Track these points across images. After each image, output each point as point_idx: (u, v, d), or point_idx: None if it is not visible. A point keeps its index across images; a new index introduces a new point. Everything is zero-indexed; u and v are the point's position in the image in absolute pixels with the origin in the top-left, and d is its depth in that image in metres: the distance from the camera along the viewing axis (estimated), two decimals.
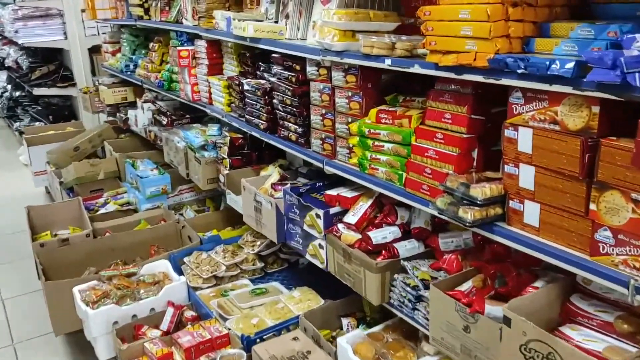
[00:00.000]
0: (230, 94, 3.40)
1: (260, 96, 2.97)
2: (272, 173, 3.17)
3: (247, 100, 3.13)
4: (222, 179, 3.49)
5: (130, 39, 5.20)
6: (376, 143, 2.23)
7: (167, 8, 4.15)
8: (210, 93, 3.64)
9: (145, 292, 3.09)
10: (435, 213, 1.92)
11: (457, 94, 1.93)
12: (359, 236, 2.36)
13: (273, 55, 2.84)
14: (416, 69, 1.93)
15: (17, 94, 8.53)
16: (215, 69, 3.63)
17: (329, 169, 2.54)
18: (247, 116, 3.17)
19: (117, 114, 5.38)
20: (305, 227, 2.63)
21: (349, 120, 2.41)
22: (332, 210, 2.52)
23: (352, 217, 2.40)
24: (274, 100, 2.88)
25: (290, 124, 2.79)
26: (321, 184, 2.78)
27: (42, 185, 5.85)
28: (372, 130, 2.23)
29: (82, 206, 4.04)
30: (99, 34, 7.17)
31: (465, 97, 1.90)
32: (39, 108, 7.81)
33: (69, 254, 3.54)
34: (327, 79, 2.48)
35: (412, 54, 2.06)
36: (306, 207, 2.60)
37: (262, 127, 3.02)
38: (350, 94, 2.37)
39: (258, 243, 3.44)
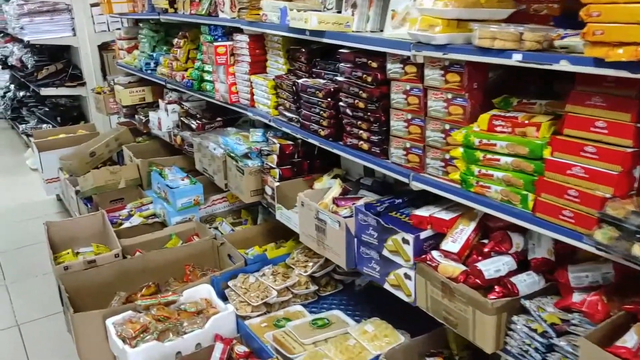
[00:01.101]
0: (279, 96, 3.00)
1: (322, 98, 2.57)
2: (332, 186, 2.77)
3: (302, 102, 2.73)
4: (268, 191, 3.09)
5: (150, 34, 4.78)
6: (488, 156, 1.83)
7: (197, 0, 3.74)
8: (252, 94, 3.24)
9: (189, 324, 2.69)
10: (592, 249, 1.52)
11: (614, 97, 1.53)
12: (463, 267, 1.96)
13: (341, 51, 2.44)
14: (563, 66, 1.53)
15: (22, 94, 8.10)
16: (258, 66, 3.22)
17: (416, 185, 2.14)
18: (302, 121, 2.76)
19: (136, 116, 4.96)
20: (386, 253, 2.23)
21: (446, 127, 2.01)
22: (423, 235, 2.12)
23: (452, 244, 2.00)
24: (341, 103, 2.47)
25: (362, 131, 2.39)
26: (400, 200, 2.38)
27: (54, 194, 5.45)
28: (484, 141, 1.83)
29: (107, 221, 3.63)
30: (109, 29, 6.78)
31: (628, 102, 1.50)
32: (46, 109, 7.39)
33: (96, 277, 3.14)
34: (417, 78, 2.08)
35: (542, 47, 1.66)
36: (388, 230, 2.20)
37: (322, 133, 2.62)
38: (450, 96, 1.96)
39: (311, 264, 3.05)
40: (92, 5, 6.69)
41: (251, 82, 3.21)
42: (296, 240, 3.40)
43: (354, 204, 2.49)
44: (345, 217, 2.51)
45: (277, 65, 3.12)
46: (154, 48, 4.83)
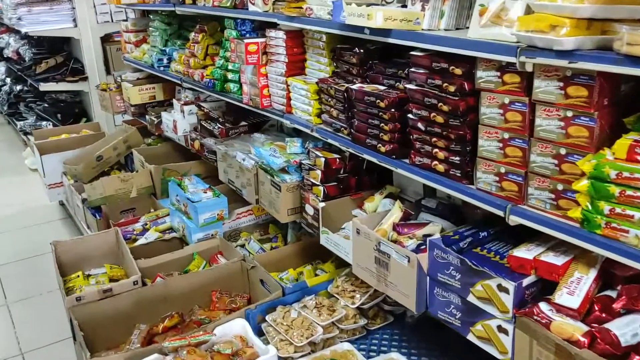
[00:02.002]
0: (322, 102, 2.60)
1: (385, 108, 2.17)
2: (386, 206, 2.38)
3: (356, 111, 2.34)
4: (310, 210, 2.69)
5: (162, 27, 4.36)
6: (629, 192, 1.45)
7: None
8: (288, 99, 2.84)
9: None
10: None
11: None
12: (585, 327, 1.58)
13: (413, 54, 2.04)
14: None
15: (19, 88, 7.65)
16: (295, 67, 2.82)
17: (515, 219, 1.76)
18: (355, 133, 2.37)
19: (147, 117, 4.55)
20: (472, 299, 1.85)
21: (562, 152, 1.62)
22: (526, 281, 1.74)
23: (569, 297, 1.62)
24: (410, 116, 2.08)
25: (438, 149, 1.99)
26: (485, 233, 2.00)
27: (57, 200, 5.04)
28: (624, 174, 1.44)
29: (121, 239, 3.24)
30: (112, 20, 6.37)
31: None
32: (45, 105, 6.95)
33: (112, 307, 2.75)
34: (520, 90, 1.69)
35: None
36: (477, 273, 1.82)
37: (383, 149, 2.23)
38: (570, 113, 1.57)
39: (358, 295, 2.67)
40: None
41: (288, 85, 2.81)
42: (337, 263, 3.03)
43: (425, 236, 2.10)
44: (412, 250, 2.13)
45: (318, 66, 2.72)
46: (166, 42, 4.41)
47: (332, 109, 2.52)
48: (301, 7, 2.56)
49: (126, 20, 5.05)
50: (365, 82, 2.39)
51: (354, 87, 2.33)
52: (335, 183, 2.62)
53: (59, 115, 6.75)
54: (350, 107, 2.39)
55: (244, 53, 2.90)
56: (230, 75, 3.36)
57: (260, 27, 3.14)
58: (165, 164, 4.20)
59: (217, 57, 3.66)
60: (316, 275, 3.04)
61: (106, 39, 6.43)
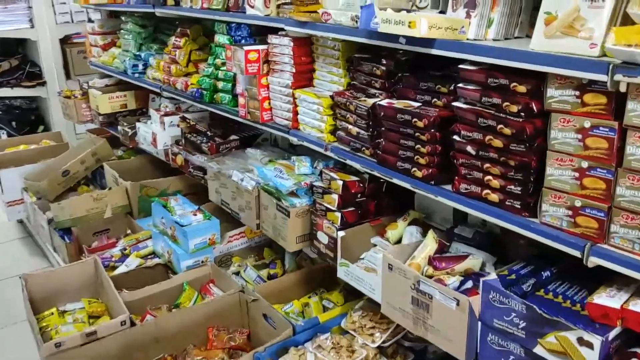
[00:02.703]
0: (338, 117, 2.32)
1: (424, 129, 1.91)
2: (424, 240, 2.12)
3: (384, 130, 2.07)
4: (323, 239, 2.41)
5: (136, 30, 3.99)
6: None
7: None
8: (295, 113, 2.54)
9: None
10: None
11: None
12: None
13: (463, 67, 1.78)
14: None
15: None
16: (303, 78, 2.53)
17: (597, 261, 1.52)
18: (381, 153, 2.10)
19: (119, 128, 4.16)
20: (542, 352, 1.61)
21: None
22: (612, 334, 1.50)
23: None
24: (456, 137, 1.82)
25: (492, 177, 1.75)
26: (548, 273, 1.76)
27: (17, 218, 4.58)
28: None
29: (102, 270, 2.87)
30: (73, 21, 5.94)
31: None
32: None
33: (97, 353, 2.40)
34: (606, 113, 1.45)
35: None
36: (549, 322, 1.57)
37: (419, 174, 1.97)
38: None
39: (378, 333, 2.40)
40: None
41: (295, 99, 2.52)
42: (346, 292, 2.76)
43: (467, 272, 1.85)
44: (454, 288, 1.88)
45: (330, 77, 2.44)
46: (140, 46, 4.04)
47: (351, 126, 2.25)
48: (315, 12, 2.28)
49: (92, 22, 4.64)
50: (391, 97, 2.13)
51: (382, 103, 2.06)
52: (353, 208, 2.34)
53: (13, 123, 6.22)
54: (375, 125, 2.12)
55: (244, 62, 2.59)
56: (220, 85, 3.04)
57: (258, 33, 2.84)
58: (141, 179, 3.84)
59: (203, 64, 3.34)
60: (324, 307, 2.75)
61: (65, 41, 5.98)
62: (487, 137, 1.72)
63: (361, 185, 2.33)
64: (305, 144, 2.49)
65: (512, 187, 1.70)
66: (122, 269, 3.11)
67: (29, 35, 5.74)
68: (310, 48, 2.50)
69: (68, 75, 6.01)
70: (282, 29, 2.58)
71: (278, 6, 2.53)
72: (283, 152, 3.05)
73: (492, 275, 1.76)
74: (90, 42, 4.71)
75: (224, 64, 2.98)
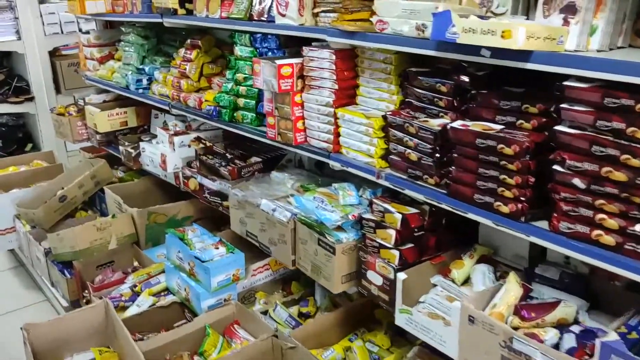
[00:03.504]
0: (392, 140, 2.02)
1: (512, 157, 1.61)
2: (507, 285, 1.81)
3: (457, 156, 1.77)
4: (375, 279, 2.10)
5: (139, 41, 3.66)
6: None
7: None
8: (336, 134, 2.24)
9: None
10: None
11: None
12: None
13: (569, 84, 1.49)
14: None
15: None
16: (345, 96, 2.23)
17: None
18: (453, 184, 1.81)
19: (121, 148, 3.82)
20: None
21: None
22: None
23: None
24: (557, 168, 1.53)
25: (607, 215, 1.45)
26: None
27: (8, 248, 4.20)
28: None
29: (114, 315, 2.53)
30: (62, 32, 5.57)
31: None
32: None
33: None
34: None
35: None
36: None
37: (505, 209, 1.67)
38: None
39: None
40: (41, 1, 5.45)
41: (337, 118, 2.22)
42: (392, 332, 2.45)
43: (561, 324, 1.56)
44: (553, 345, 1.58)
45: (378, 94, 2.14)
46: (143, 59, 3.71)
47: (410, 151, 1.95)
48: (367, 20, 1.98)
49: (87, 33, 4.29)
50: (461, 118, 1.84)
51: (455, 125, 1.76)
52: (412, 245, 2.04)
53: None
54: (444, 150, 1.83)
55: (276, 78, 2.28)
56: (242, 102, 2.73)
57: (286, 44, 2.53)
58: (146, 204, 3.50)
59: (218, 79, 3.04)
60: (369, 351, 2.44)
61: (54, 53, 5.62)
62: (605, 169, 1.43)
63: (422, 218, 2.03)
64: (351, 170, 2.19)
65: (636, 229, 1.41)
66: (133, 309, 2.76)
67: (16, 47, 5.36)
68: (353, 61, 2.21)
69: (58, 90, 5.65)
70: (317, 40, 2.29)
71: (315, 14, 2.23)
72: (313, 175, 2.75)
73: (612, 335, 1.46)
74: (84, 54, 4.37)
75: (246, 79, 2.68)
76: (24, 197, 3.91)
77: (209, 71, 3.21)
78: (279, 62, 2.29)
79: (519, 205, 1.64)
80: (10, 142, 5.92)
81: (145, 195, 3.82)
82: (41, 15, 5.43)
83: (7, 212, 3.94)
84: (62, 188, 3.94)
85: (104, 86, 4.08)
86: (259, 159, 2.93)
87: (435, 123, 1.87)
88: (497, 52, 1.57)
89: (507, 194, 1.66)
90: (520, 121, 1.68)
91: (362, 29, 1.98)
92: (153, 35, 3.72)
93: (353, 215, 2.16)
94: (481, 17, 1.63)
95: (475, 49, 1.61)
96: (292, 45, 2.54)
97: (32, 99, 5.53)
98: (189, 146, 3.29)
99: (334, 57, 2.17)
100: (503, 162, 1.65)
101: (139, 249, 3.38)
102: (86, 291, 3.16)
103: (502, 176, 1.66)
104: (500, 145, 1.63)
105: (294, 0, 2.27)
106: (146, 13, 3.30)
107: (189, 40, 3.23)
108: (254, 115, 2.70)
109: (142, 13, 3.33)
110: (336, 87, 2.20)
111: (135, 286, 2.94)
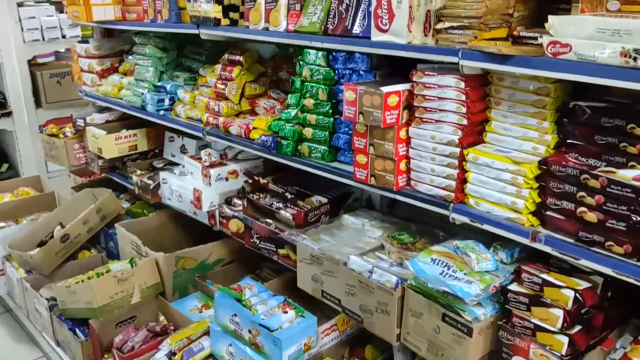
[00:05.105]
0: (551, 193, 1.59)
1: None
2: None
3: None
4: None
5: (157, 54, 3.13)
6: None
7: (297, 6, 2.21)
8: (460, 180, 1.79)
9: None
10: None
11: None
12: None
13: None
14: None
15: None
16: (472, 132, 1.79)
17: None
18: None
19: (134, 177, 3.26)
20: None
21: None
22: None
23: None
24: None
25: None
26: None
27: None
28: None
29: None
30: (44, 38, 4.95)
31: None
32: None
33: None
34: None
35: None
36: None
37: None
38: None
39: None
40: (20, 4, 4.82)
41: (465, 160, 1.77)
42: None
43: None
44: None
45: (522, 131, 1.71)
46: (161, 75, 3.18)
47: (586, 210, 1.51)
48: (504, 39, 1.55)
49: (85, 42, 3.70)
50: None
51: None
52: (580, 327, 1.61)
53: None
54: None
55: (381, 108, 1.82)
56: (310, 133, 2.25)
57: (378, 66, 2.07)
58: (163, 243, 2.98)
59: (261, 101, 2.56)
60: None
61: (30, 62, 4.99)
62: None
63: (596, 293, 1.60)
64: (486, 227, 1.74)
65: None
66: None
67: None
68: (483, 90, 1.77)
69: (39, 104, 5.02)
70: (426, 61, 1.85)
71: (437, 31, 1.77)
72: (398, 221, 2.28)
73: None
74: (81, 66, 3.78)
75: (317, 105, 2.20)
76: (14, 235, 3.31)
77: (252, 92, 2.73)
78: (385, 89, 1.82)
79: None
80: None
81: (160, 232, 3.28)
82: (20, 20, 4.80)
83: None
84: (60, 224, 3.38)
85: (109, 104, 3.52)
86: (323, 199, 2.45)
87: (627, 175, 1.44)
88: None
89: None
90: None
91: (522, 52, 1.54)
92: (173, 47, 3.19)
93: (494, 287, 1.71)
94: None
95: None
96: (385, 66, 2.08)
97: (9, 114, 4.89)
98: (227, 179, 2.79)
99: (462, 84, 1.72)
100: None
101: (165, 300, 2.85)
102: (107, 355, 2.63)
103: None
104: None
105: (402, 12, 1.82)
106: (175, 22, 2.77)
107: (226, 55, 2.73)
108: (327, 149, 2.23)
109: (169, 22, 2.80)
110: (464, 121, 1.75)
111: (173, 354, 2.42)
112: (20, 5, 4.82)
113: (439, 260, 1.82)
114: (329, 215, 2.41)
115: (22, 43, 4.83)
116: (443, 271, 1.76)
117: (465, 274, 1.74)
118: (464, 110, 1.74)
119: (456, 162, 1.79)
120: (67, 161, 3.73)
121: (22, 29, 4.82)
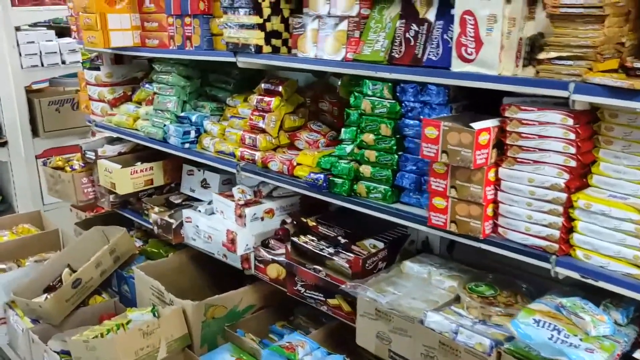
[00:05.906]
0: None
1: None
2: None
3: None
4: None
5: (180, 82, 2.89)
6: None
7: (356, 32, 2.00)
8: (566, 229, 1.57)
9: None
10: None
11: None
12: None
13: None
14: None
15: None
16: (577, 173, 1.58)
17: None
18: None
19: (152, 216, 2.99)
20: None
21: None
22: None
23: None
24: None
25: None
26: None
27: None
28: None
29: None
30: (42, 64, 4.70)
31: None
32: None
33: None
34: None
35: None
36: None
37: None
38: None
39: None
40: (18, 28, 4.56)
41: (572, 208, 1.55)
42: None
43: None
44: None
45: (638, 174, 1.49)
46: (183, 105, 2.94)
47: None
48: (614, 71, 1.35)
49: (96, 69, 3.44)
50: None
51: None
52: None
53: None
54: None
55: (472, 147, 1.60)
56: (368, 171, 2.03)
57: (455, 99, 1.86)
58: (184, 288, 2.73)
59: (303, 134, 2.34)
60: None
61: (27, 89, 4.72)
62: None
63: None
64: (603, 284, 1.51)
65: None
66: None
67: None
68: (591, 127, 1.56)
69: (36, 133, 4.74)
70: (514, 94, 1.65)
71: (539, 61, 1.57)
72: (470, 269, 2.05)
73: None
74: (90, 95, 3.52)
75: (379, 140, 1.98)
76: (19, 279, 3.02)
77: (291, 124, 2.50)
78: (476, 125, 1.61)
79: None
80: None
81: (180, 274, 3.00)
82: (18, 45, 4.54)
83: None
84: (69, 266, 3.09)
85: (123, 136, 3.26)
86: (379, 244, 2.21)
87: None
88: None
89: None
90: None
91: None
92: (196, 75, 2.96)
93: (617, 355, 1.48)
94: None
95: None
96: (461, 99, 1.87)
97: (4, 143, 4.60)
98: (262, 219, 2.54)
99: (571, 121, 1.52)
100: None
101: (194, 354, 2.57)
102: None
103: None
104: None
105: (493, 40, 1.61)
106: (206, 49, 2.55)
107: (262, 85, 2.50)
108: (389, 189, 2.00)
109: (199, 49, 2.57)
110: (572, 163, 1.54)
111: None
112: (18, 29, 4.56)
113: (544, 322, 1.58)
114: (386, 261, 2.18)
115: (19, 69, 4.57)
116: (552, 335, 1.53)
117: (580, 339, 1.51)
118: (572, 150, 1.53)
119: (561, 208, 1.57)
120: (74, 196, 3.45)
121: (20, 55, 4.56)
